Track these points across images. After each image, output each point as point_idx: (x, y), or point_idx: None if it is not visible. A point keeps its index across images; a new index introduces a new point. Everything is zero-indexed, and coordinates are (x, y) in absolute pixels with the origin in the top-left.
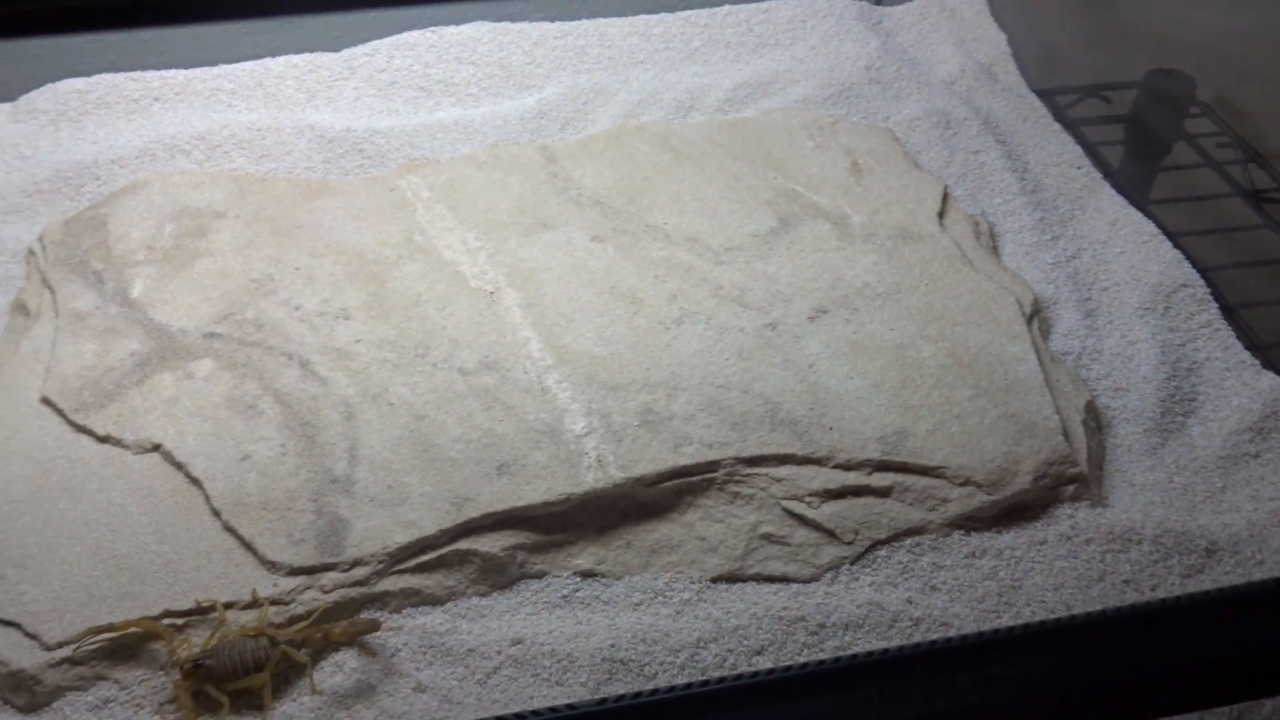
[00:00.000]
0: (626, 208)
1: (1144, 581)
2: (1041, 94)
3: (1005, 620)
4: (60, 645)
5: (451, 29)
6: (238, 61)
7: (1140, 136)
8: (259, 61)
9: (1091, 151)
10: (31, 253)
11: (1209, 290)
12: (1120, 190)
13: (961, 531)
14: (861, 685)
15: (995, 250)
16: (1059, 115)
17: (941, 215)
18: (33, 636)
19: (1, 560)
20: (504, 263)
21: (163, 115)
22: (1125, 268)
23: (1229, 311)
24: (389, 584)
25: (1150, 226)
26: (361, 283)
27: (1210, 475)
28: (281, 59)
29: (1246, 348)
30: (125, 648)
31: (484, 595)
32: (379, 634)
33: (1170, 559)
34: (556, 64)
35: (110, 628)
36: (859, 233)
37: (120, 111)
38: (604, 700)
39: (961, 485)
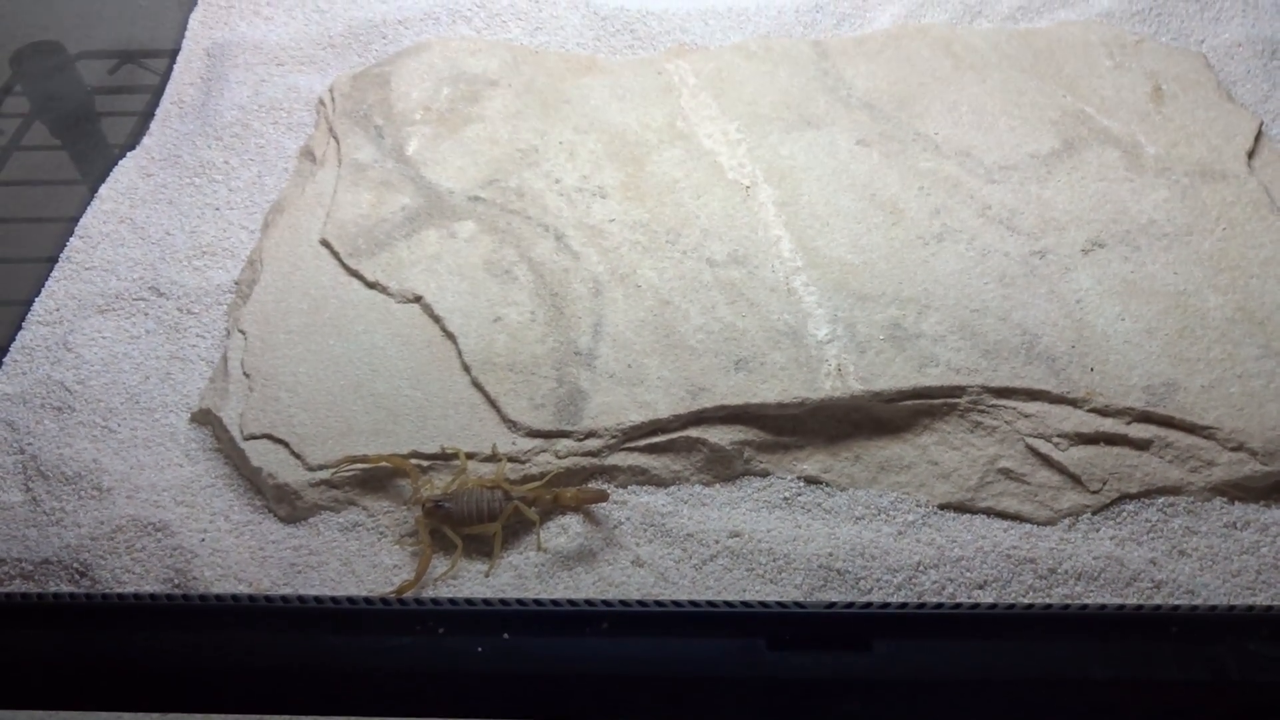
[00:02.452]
0: (897, 113)
1: None
2: None
3: (1263, 599)
4: (320, 468)
5: None
6: None
7: None
8: None
9: None
10: (321, 103)
11: None
12: None
13: (1224, 499)
14: (1109, 636)
15: None
16: None
17: (1251, 155)
18: (298, 456)
19: (277, 384)
20: (763, 158)
21: None
22: None
23: None
24: (619, 459)
25: None
26: (621, 163)
27: None
28: None
29: None
30: (375, 479)
31: (707, 484)
32: (605, 505)
33: None
34: None
35: (364, 459)
36: (1152, 165)
37: None
38: (832, 604)
39: (1233, 450)
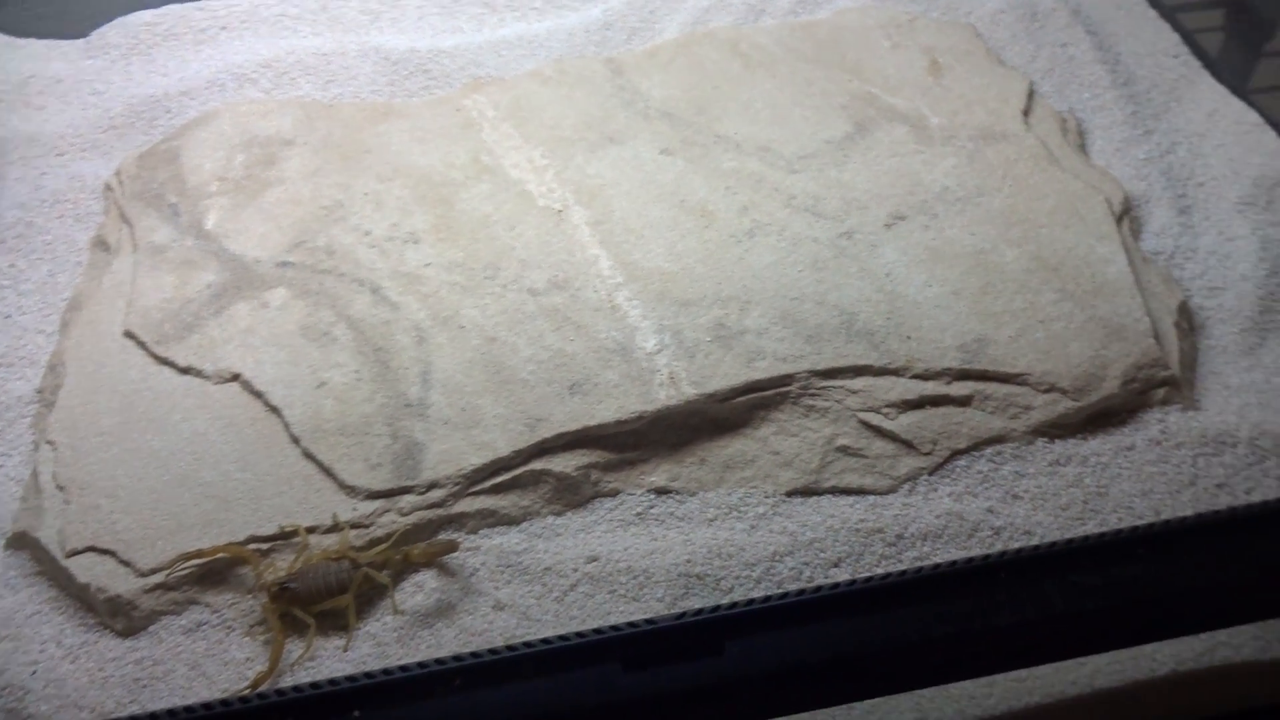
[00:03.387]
0: (696, 118)
1: (1238, 485)
2: None
3: (1090, 528)
4: (153, 571)
5: None
6: None
7: (1241, 20)
8: None
9: (1189, 39)
10: (109, 188)
11: None
12: (1220, 79)
13: (1045, 439)
14: (947, 595)
15: (1083, 148)
16: (1154, 1)
17: (1026, 113)
18: (127, 563)
19: (94, 490)
20: (571, 180)
21: (229, 44)
22: (1224, 161)
23: None
24: (465, 505)
25: (1253, 116)
26: (430, 206)
27: None
28: None
29: None
30: (214, 573)
31: (559, 514)
32: (457, 554)
33: (1267, 461)
34: None
35: (199, 554)
36: (938, 135)
37: (188, 42)
38: (683, 614)
39: (1045, 392)
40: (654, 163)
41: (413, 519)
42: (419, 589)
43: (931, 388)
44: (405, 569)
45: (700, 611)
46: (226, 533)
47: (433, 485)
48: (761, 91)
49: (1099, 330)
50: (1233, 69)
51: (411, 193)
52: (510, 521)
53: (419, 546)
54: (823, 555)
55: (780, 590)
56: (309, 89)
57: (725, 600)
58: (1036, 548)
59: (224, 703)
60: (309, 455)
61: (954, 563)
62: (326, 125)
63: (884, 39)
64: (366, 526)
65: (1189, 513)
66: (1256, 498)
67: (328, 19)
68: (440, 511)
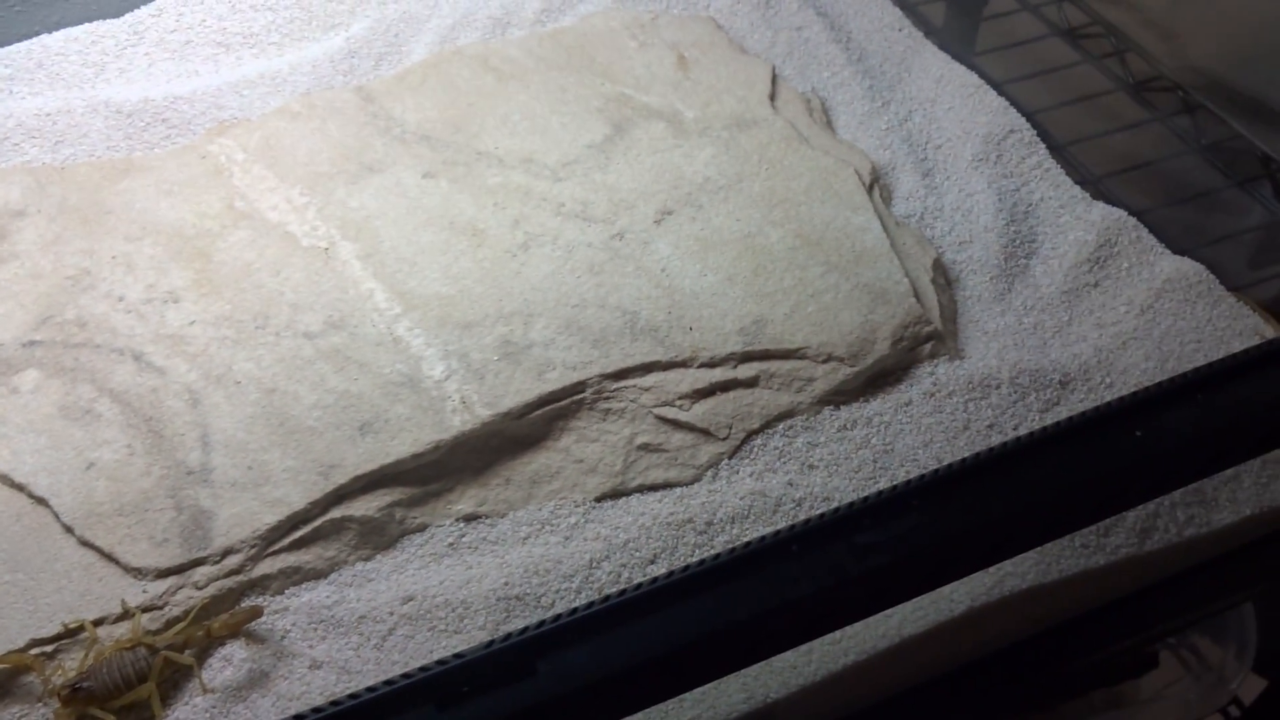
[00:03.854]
0: (454, 138)
1: (1005, 423)
2: None
3: (882, 485)
4: None
5: None
6: (11, 43)
7: None
8: (35, 40)
9: (911, 11)
10: None
11: (1035, 132)
12: (944, 47)
13: (831, 407)
14: (747, 575)
15: (829, 124)
16: None
17: (773, 97)
18: None
19: None
20: (335, 215)
21: None
22: (955, 122)
23: (1057, 150)
24: (266, 567)
25: (974, 78)
26: (186, 261)
27: (1056, 311)
28: (59, 34)
29: (1077, 183)
30: None
31: (368, 559)
32: (263, 619)
33: (1028, 397)
34: None
35: None
36: (694, 127)
37: None
38: (490, 642)
39: (824, 362)
40: (418, 187)
41: (210, 591)
42: (228, 663)
43: (719, 374)
44: (210, 644)
45: (508, 636)
46: (3, 642)
47: (227, 552)
48: (517, 104)
49: (865, 296)
50: (954, 36)
51: (164, 250)
52: (317, 575)
53: (221, 619)
54: (638, 554)
55: (583, 602)
56: (36, 153)
57: (547, 615)
58: (822, 516)
59: None
60: (86, 543)
61: (748, 544)
62: (61, 189)
63: (630, 40)
64: (161, 608)
65: (966, 455)
66: (1023, 431)
67: (47, 76)
68: (240, 578)
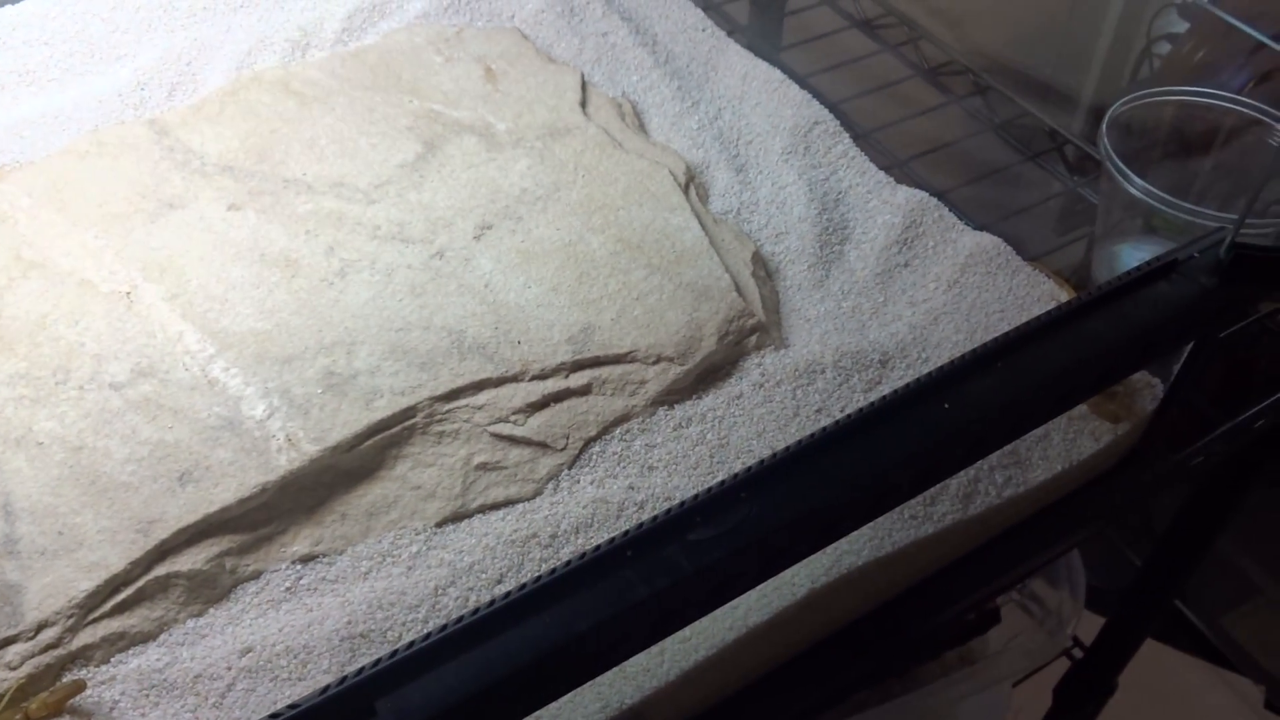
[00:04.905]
0: (259, 167)
1: (833, 406)
2: None
3: (720, 478)
4: None
5: (8, 9)
6: None
7: None
8: None
9: (715, 11)
10: None
11: (839, 122)
12: (749, 45)
13: (665, 407)
14: (587, 585)
15: (642, 127)
16: None
17: (584, 104)
18: None
19: None
20: (135, 256)
21: None
22: (763, 117)
23: (861, 138)
24: (87, 636)
25: (778, 74)
26: None
27: (872, 293)
28: None
29: (881, 168)
30: None
31: (199, 615)
32: (88, 692)
33: (852, 379)
34: (144, 25)
35: None
36: (507, 139)
37: None
38: (326, 688)
39: (655, 363)
40: (223, 221)
41: (26, 670)
42: None
43: (552, 385)
44: None
45: (344, 679)
46: None
47: (42, 626)
48: (323, 127)
49: (688, 295)
50: (756, 33)
51: None
52: (145, 638)
53: (39, 698)
54: (484, 575)
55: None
56: None
57: (395, 648)
58: (654, 519)
59: None
60: None
61: (583, 555)
62: None
63: (436, 55)
64: None
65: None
66: (851, 410)
67: None
68: (59, 651)
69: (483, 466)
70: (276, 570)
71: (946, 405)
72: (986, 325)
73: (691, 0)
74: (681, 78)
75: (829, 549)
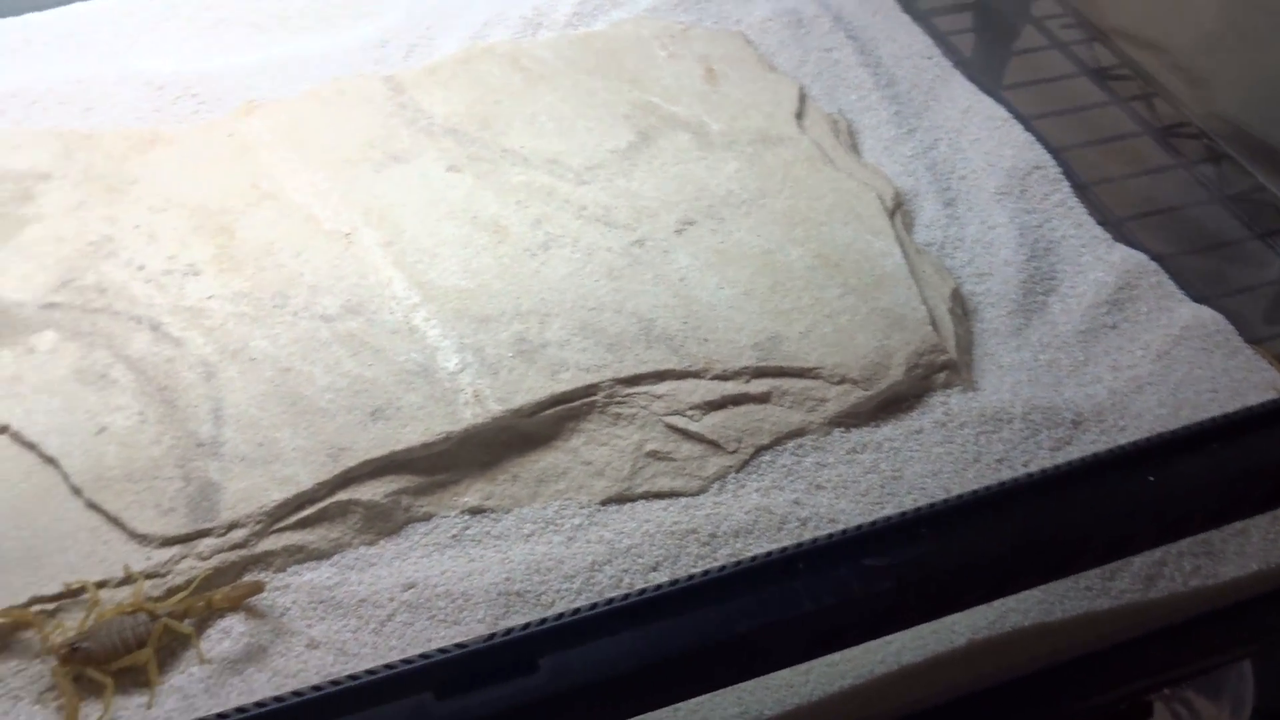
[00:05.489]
0: (481, 134)
1: (1016, 459)
2: None
3: (889, 510)
4: None
5: None
6: (44, 9)
7: (988, 22)
8: (68, 8)
9: (942, 41)
10: None
11: (1060, 170)
12: (971, 78)
13: (841, 429)
14: (752, 589)
15: (855, 147)
16: (907, 6)
17: (799, 116)
18: None
19: None
20: (358, 201)
21: None
22: (980, 154)
23: (1081, 189)
24: (270, 543)
25: (1002, 111)
26: (208, 235)
27: (1072, 350)
28: (93, 2)
29: (1099, 223)
30: None
31: (371, 544)
32: (265, 595)
33: (1039, 434)
34: None
35: None
36: (719, 140)
37: None
38: (493, 635)
39: (838, 383)
40: (442, 180)
41: (214, 563)
42: (226, 635)
43: (732, 387)
44: (210, 615)
45: (510, 630)
46: (6, 596)
47: (233, 526)
48: (545, 104)
49: (881, 321)
50: (982, 68)
51: (187, 223)
52: (320, 556)
53: (222, 591)
54: (640, 561)
55: (587, 602)
56: (65, 118)
57: (547, 614)
58: (830, 536)
59: None
60: (93, 506)
61: (754, 558)
62: (87, 156)
63: (660, 49)
64: (163, 575)
65: (974, 488)
66: (1034, 468)
67: (79, 44)
68: (243, 552)
69: (653, 454)
70: (446, 516)
71: (1151, 479)
72: (1195, 403)
73: (920, 26)
74: (901, 102)
75: (996, 603)
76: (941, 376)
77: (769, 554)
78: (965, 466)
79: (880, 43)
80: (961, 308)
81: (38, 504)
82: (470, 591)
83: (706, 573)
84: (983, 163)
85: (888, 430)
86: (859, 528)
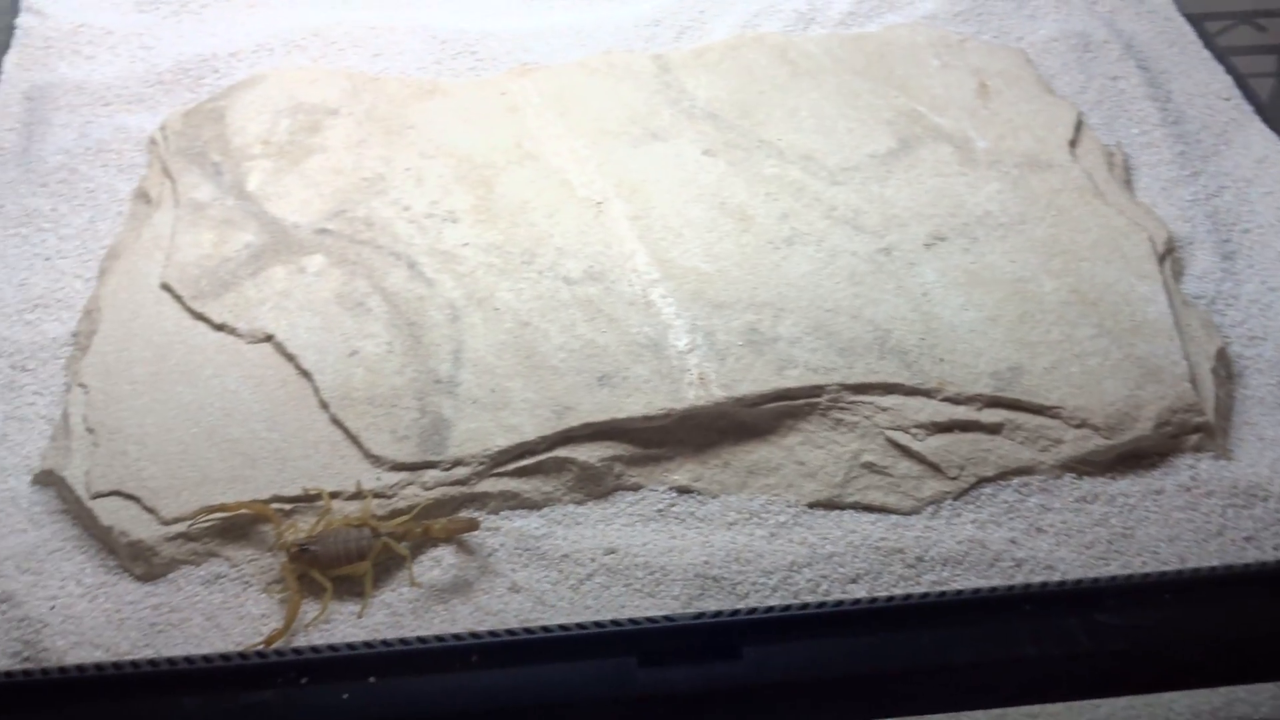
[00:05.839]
0: (740, 122)
1: (1267, 540)
2: (1190, 19)
3: (1114, 568)
4: (176, 520)
5: None
6: None
7: None
8: None
9: (1241, 83)
10: (153, 142)
11: None
12: (1271, 125)
13: (1073, 475)
14: (968, 621)
15: (1129, 183)
16: (1208, 42)
17: (1073, 144)
18: (151, 510)
19: (123, 437)
20: (613, 173)
21: (280, 9)
22: (1272, 209)
23: None
24: (488, 485)
25: None
26: (470, 186)
27: None
28: None
29: None
30: (236, 528)
31: (580, 503)
32: (477, 533)
33: None
34: None
35: (223, 508)
36: (983, 158)
37: (240, 4)
38: (701, 615)
39: (1077, 427)
40: (696, 163)
41: (435, 494)
42: (437, 564)
43: (962, 412)
44: (424, 543)
45: (719, 614)
46: (251, 490)
47: (457, 463)
48: (807, 100)
49: (1135, 370)
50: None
51: (452, 172)
52: (532, 506)
53: (440, 522)
54: (841, 570)
55: (798, 601)
56: (356, 60)
57: (741, 605)
58: (1063, 583)
59: (239, 655)
60: (337, 422)
61: (977, 590)
62: (372, 98)
63: (933, 58)
64: (389, 497)
65: (1215, 563)
66: None
67: None
68: (463, 489)
69: (869, 466)
70: (654, 490)
71: None
72: None
73: (1220, 65)
74: (1187, 142)
75: (1224, 689)
76: (1194, 439)
77: (994, 589)
78: (1207, 538)
79: (1173, 77)
80: (1226, 369)
81: (290, 411)
82: (669, 567)
83: (925, 595)
84: (1273, 218)
85: (1124, 484)
86: (1095, 580)
